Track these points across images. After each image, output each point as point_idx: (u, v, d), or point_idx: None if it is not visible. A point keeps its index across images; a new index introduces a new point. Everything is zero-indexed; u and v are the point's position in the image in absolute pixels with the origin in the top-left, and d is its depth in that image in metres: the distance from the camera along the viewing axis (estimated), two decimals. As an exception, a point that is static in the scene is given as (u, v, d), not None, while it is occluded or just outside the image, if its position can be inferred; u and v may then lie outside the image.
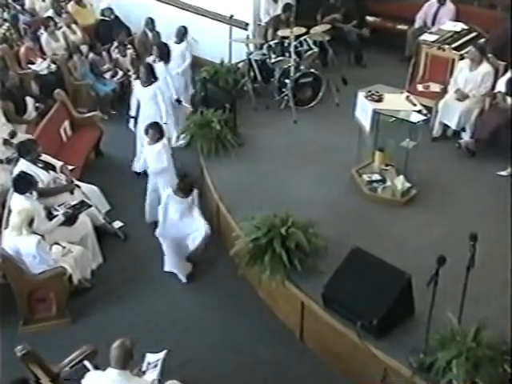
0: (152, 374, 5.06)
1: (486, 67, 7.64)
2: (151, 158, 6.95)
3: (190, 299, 6.53)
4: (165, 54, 8.31)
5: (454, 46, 8.48)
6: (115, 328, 5.99)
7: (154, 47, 8.59)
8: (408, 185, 6.90)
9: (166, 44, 8.60)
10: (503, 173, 7.17)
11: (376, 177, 7.13)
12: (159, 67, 8.14)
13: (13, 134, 7.83)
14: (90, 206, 6.86)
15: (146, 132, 6.88)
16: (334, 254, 5.92)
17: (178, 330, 6.10)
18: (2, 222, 6.51)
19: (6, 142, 7.76)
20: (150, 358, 5.24)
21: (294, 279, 5.86)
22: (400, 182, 6.89)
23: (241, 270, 6.27)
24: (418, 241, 6.28)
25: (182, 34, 9.00)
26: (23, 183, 6.38)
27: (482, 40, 8.49)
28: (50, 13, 10.71)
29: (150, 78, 7.71)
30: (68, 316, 6.25)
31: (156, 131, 6.83)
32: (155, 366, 5.16)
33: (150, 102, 7.75)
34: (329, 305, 5.53)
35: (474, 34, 8.75)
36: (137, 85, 7.89)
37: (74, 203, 6.73)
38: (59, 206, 6.73)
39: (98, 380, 4.54)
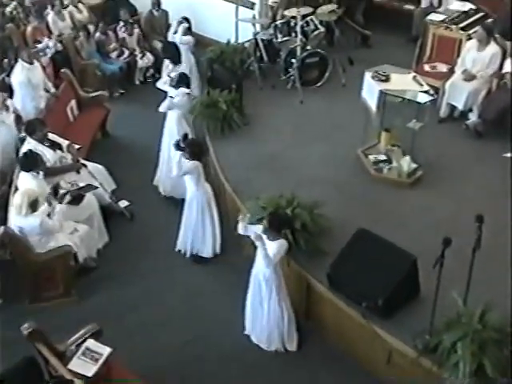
0: (81, 364, 4.70)
1: (493, 47, 7.57)
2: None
3: (196, 277, 6.56)
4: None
5: (461, 25, 8.41)
6: (121, 307, 6.06)
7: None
8: (414, 165, 6.87)
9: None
10: (508, 154, 7.08)
11: (382, 157, 7.10)
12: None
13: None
14: (96, 188, 6.85)
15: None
16: (339, 235, 5.92)
17: (183, 308, 6.15)
18: (8, 201, 6.53)
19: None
20: (91, 345, 4.87)
21: (299, 259, 5.88)
22: (406, 163, 6.86)
23: (246, 249, 6.28)
24: (424, 222, 6.27)
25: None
26: (30, 161, 6.40)
27: (490, 20, 8.38)
28: (57, -9, 10.65)
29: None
30: (74, 295, 6.29)
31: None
32: (94, 359, 4.75)
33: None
34: (334, 285, 5.55)
35: (481, 14, 8.65)
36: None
37: (81, 185, 6.70)
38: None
39: None
